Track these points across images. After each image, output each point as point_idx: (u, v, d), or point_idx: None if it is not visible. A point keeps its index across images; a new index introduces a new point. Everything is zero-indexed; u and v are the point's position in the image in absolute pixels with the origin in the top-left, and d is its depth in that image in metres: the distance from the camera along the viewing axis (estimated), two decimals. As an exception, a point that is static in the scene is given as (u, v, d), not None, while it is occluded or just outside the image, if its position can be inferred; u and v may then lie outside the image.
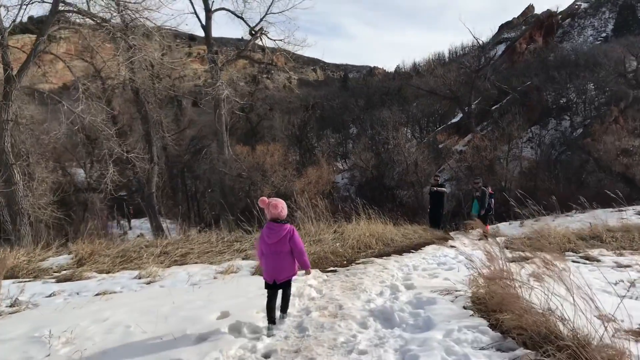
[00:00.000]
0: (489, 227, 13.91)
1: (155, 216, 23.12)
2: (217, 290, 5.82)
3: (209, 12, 25.96)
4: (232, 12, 26.55)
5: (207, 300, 5.22)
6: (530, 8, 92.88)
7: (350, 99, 61.34)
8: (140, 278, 6.74)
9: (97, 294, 5.89)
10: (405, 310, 4.74)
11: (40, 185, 16.68)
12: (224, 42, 61.85)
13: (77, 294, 6.05)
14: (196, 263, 7.78)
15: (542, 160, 33.36)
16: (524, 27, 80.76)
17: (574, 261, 7.20)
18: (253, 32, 26.89)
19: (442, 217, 15.67)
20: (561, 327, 3.34)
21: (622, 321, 3.24)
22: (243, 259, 8.01)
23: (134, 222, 32.79)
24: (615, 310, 3.22)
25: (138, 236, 17.57)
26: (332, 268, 7.26)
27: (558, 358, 3.00)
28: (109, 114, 19.38)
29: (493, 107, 43.96)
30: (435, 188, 14.73)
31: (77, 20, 15.39)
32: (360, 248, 8.97)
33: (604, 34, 78.60)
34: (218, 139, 28.42)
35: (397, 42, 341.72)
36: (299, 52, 29.30)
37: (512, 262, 4.91)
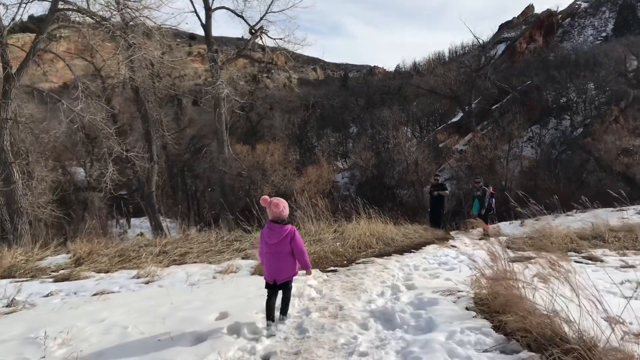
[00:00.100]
0: (490, 227, 13.86)
1: (155, 215, 23.08)
2: (216, 290, 5.76)
3: (209, 10, 25.93)
4: (232, 11, 26.55)
5: (206, 301, 5.16)
6: (530, 8, 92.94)
7: (350, 98, 61.32)
8: (138, 278, 6.67)
9: (94, 294, 5.83)
10: (406, 311, 4.67)
11: (39, 184, 16.61)
12: (224, 41, 61.70)
13: (75, 293, 5.98)
14: (195, 262, 7.71)
15: (543, 159, 33.30)
16: (524, 27, 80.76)
17: (576, 261, 7.14)
18: (253, 31, 26.86)
19: (443, 217, 15.60)
20: (566, 329, 3.27)
21: (631, 323, 3.17)
22: (243, 258, 7.94)
23: (134, 221, 32.73)
24: (623, 311, 3.15)
25: (138, 235, 17.53)
26: (332, 268, 7.19)
27: (564, 361, 2.93)
28: (109, 113, 19.32)
29: (493, 107, 43.94)
30: (437, 192, 14.66)
31: (77, 19, 15.36)
32: (361, 247, 8.90)
33: (604, 34, 78.62)
34: (218, 138, 28.38)
35: (397, 42, 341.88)
36: (299, 52, 29.25)
37: (514, 262, 4.84)
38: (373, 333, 4.17)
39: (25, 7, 13.74)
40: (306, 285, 5.75)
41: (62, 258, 7.99)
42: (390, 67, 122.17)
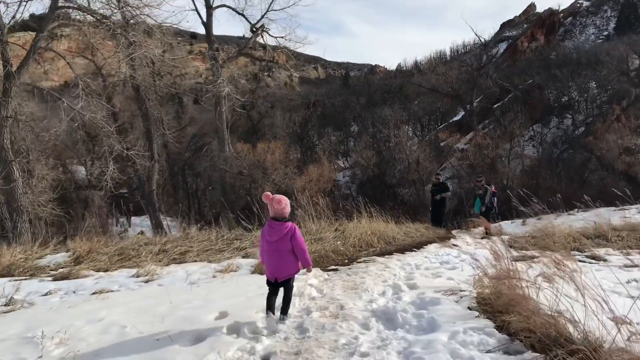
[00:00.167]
0: (492, 226, 13.81)
1: (156, 214, 23.03)
2: (216, 289, 5.71)
3: (209, 8, 25.87)
4: (233, 9, 26.49)
5: (206, 300, 5.11)
6: (532, 6, 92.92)
7: (351, 97, 61.21)
8: (138, 276, 6.63)
9: (93, 293, 5.78)
10: (408, 310, 4.61)
11: (40, 182, 16.58)
12: (225, 40, 61.62)
13: (74, 292, 5.93)
14: (195, 261, 7.67)
15: (544, 158, 33.22)
16: (525, 26, 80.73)
17: (580, 261, 7.06)
18: (254, 29, 26.80)
19: (444, 216, 15.55)
20: (571, 329, 3.22)
21: (638, 324, 3.11)
22: (243, 257, 7.90)
23: (134, 219, 32.74)
24: (629, 311, 3.09)
25: (139, 234, 17.51)
26: (333, 267, 7.14)
27: (569, 362, 2.88)
28: (110, 111, 19.27)
29: (495, 105, 43.89)
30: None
31: (77, 17, 15.32)
32: (362, 246, 8.85)
33: (605, 33, 78.53)
34: (219, 137, 28.33)
35: (398, 41, 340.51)
36: (300, 50, 29.15)
37: (516, 261, 4.78)
38: (374, 333, 4.11)
39: (25, 5, 13.70)
40: (307, 284, 5.70)
41: (61, 256, 7.96)
42: (392, 66, 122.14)
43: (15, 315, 4.95)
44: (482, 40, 48.24)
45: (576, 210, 16.01)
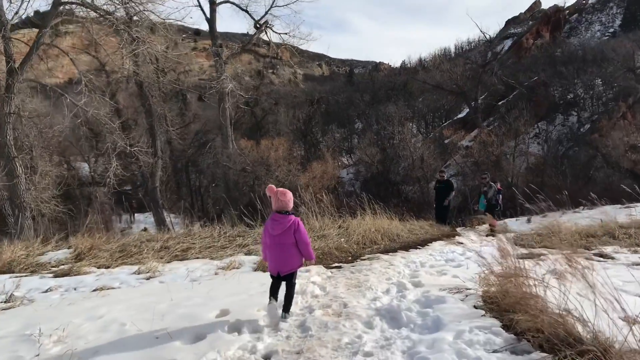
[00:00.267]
0: (497, 223, 13.71)
1: (159, 210, 23.04)
2: (218, 286, 5.64)
3: (213, 4, 25.78)
4: (237, 5, 26.41)
5: (207, 297, 5.04)
6: (537, 3, 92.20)
7: (355, 94, 61.18)
8: (139, 273, 6.57)
9: (94, 290, 5.73)
10: (413, 309, 4.52)
11: (43, 178, 16.59)
12: (229, 36, 61.66)
13: (74, 289, 5.88)
14: (197, 258, 7.61)
15: (549, 155, 33.08)
16: (530, 22, 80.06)
17: (587, 258, 6.98)
18: (258, 26, 26.74)
19: (449, 213, 15.44)
20: (580, 329, 3.13)
21: (651, 324, 3.02)
22: (245, 254, 7.83)
23: (138, 216, 32.81)
24: (641, 311, 3.00)
25: (142, 230, 17.50)
26: (336, 264, 7.06)
27: (579, 363, 2.79)
28: (113, 108, 19.29)
29: (500, 102, 43.68)
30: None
31: (81, 13, 15.25)
32: (366, 244, 8.78)
33: (611, 30, 77.92)
34: (222, 133, 28.30)
35: (402, 38, 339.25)
36: (304, 47, 28.98)
37: (522, 258, 4.68)
38: (378, 332, 4.03)
39: (29, 1, 13.67)
40: (309, 282, 5.63)
41: (62, 253, 7.91)
42: (396, 63, 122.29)
43: (15, 312, 4.89)
44: (487, 36, 47.84)
45: (582, 207, 15.88)
